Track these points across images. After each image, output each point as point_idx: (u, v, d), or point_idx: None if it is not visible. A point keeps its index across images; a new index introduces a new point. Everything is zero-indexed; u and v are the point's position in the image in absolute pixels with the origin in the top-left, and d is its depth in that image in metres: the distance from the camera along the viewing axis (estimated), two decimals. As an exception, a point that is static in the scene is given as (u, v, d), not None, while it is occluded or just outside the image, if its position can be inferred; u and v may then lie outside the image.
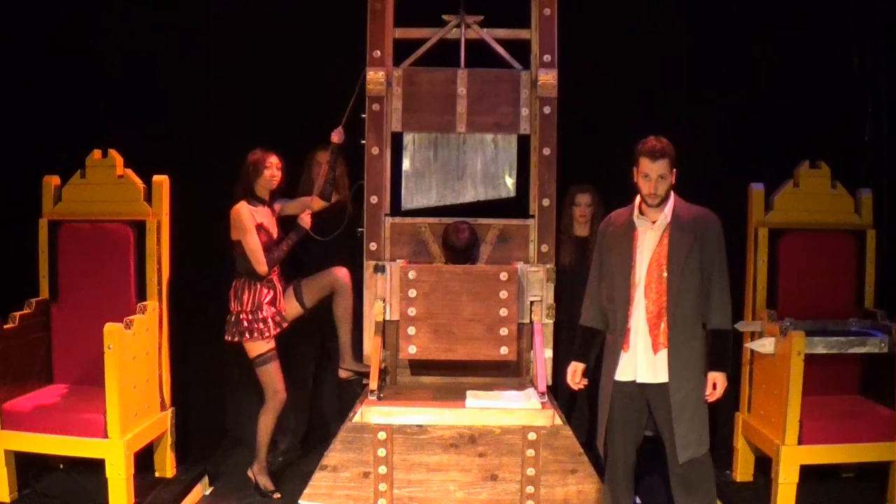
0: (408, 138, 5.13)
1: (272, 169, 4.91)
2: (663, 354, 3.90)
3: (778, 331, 4.58)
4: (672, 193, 3.95)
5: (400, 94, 5.11)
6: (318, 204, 5.09)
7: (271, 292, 4.93)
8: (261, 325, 4.86)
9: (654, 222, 3.93)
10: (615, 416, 4.02)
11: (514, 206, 5.22)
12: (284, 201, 5.11)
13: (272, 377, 4.90)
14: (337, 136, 5.03)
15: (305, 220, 5.00)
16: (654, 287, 3.90)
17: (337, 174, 5.49)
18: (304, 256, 5.29)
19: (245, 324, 4.85)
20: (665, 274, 3.88)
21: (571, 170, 5.25)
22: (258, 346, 4.87)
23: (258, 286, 4.88)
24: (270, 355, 4.89)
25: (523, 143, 5.15)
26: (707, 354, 3.93)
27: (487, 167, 5.11)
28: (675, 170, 3.90)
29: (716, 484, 4.04)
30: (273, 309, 4.92)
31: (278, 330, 4.93)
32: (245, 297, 4.87)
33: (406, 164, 5.13)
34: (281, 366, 4.95)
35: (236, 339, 4.88)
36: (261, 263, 4.81)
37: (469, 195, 5.13)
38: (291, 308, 5.05)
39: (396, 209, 5.17)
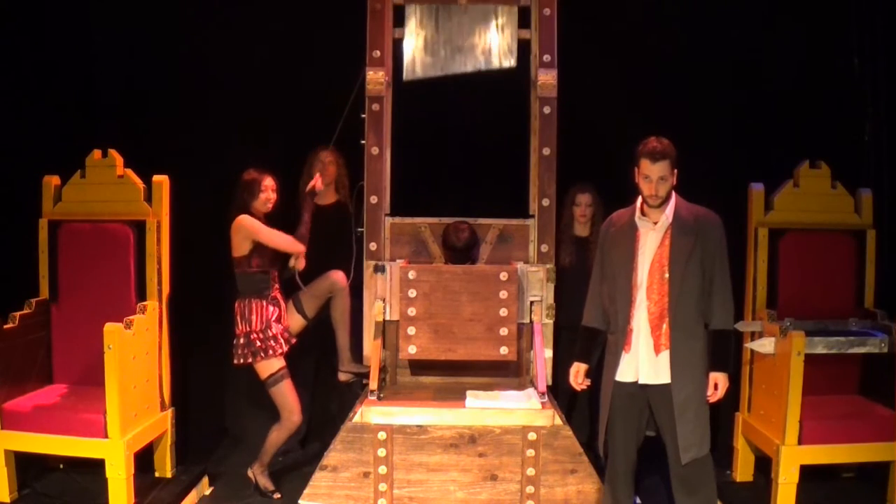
0: (410, 10, 5.13)
1: (267, 192, 4.88)
2: (665, 355, 3.89)
3: (778, 331, 4.58)
4: (673, 193, 3.95)
5: None
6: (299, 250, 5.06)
7: (276, 309, 4.92)
8: (272, 343, 4.84)
9: (655, 223, 3.93)
10: (615, 417, 4.01)
11: (514, 206, 5.22)
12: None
13: (286, 396, 4.87)
14: (317, 183, 5.04)
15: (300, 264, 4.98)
16: (656, 288, 3.89)
17: (337, 174, 5.51)
18: (307, 258, 5.30)
19: (258, 343, 4.82)
20: (667, 275, 3.87)
21: (571, 170, 5.25)
22: (270, 366, 4.84)
23: (264, 304, 4.86)
24: (283, 373, 4.86)
25: (524, 15, 5.17)
26: (709, 355, 3.93)
27: (490, 38, 5.11)
28: (676, 170, 3.90)
29: (716, 484, 4.03)
30: (280, 326, 4.92)
31: (288, 347, 4.92)
32: (253, 317, 4.84)
33: (408, 36, 5.12)
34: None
35: (248, 360, 4.84)
36: (295, 244, 4.83)
37: (471, 65, 5.11)
38: (295, 322, 5.05)
39: (396, 209, 5.17)
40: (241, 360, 4.87)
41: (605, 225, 4.13)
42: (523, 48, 5.19)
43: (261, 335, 4.83)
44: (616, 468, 4.07)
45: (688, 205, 3.97)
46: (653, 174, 3.86)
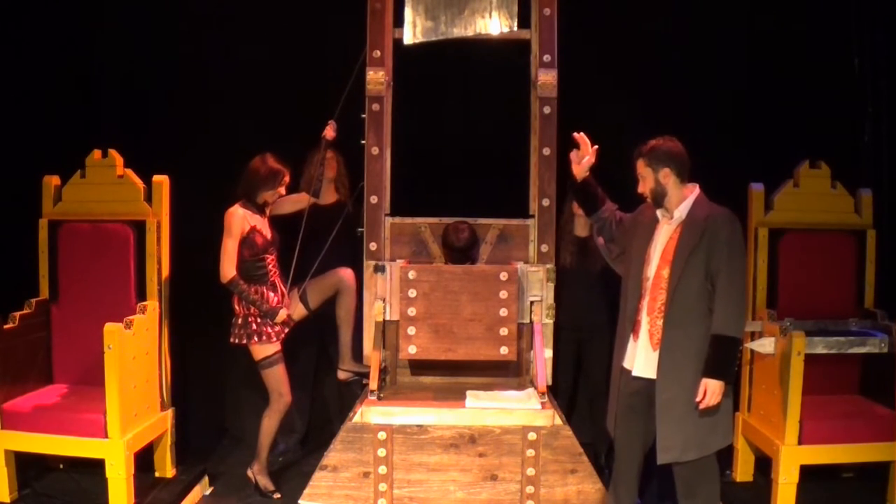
0: None
1: (284, 187, 4.91)
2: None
3: (778, 331, 4.58)
4: (696, 190, 3.96)
5: None
6: (308, 200, 5.08)
7: (275, 296, 4.92)
8: (268, 329, 4.85)
9: (672, 218, 3.94)
10: (622, 416, 4.03)
11: (514, 206, 5.22)
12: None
13: (278, 380, 4.89)
14: (331, 131, 5.01)
15: (282, 316, 4.89)
16: (660, 284, 3.89)
17: (336, 174, 5.51)
18: (307, 257, 5.31)
19: (254, 326, 4.83)
20: (668, 270, 3.87)
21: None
22: (265, 349, 4.85)
23: (264, 290, 4.87)
24: (277, 357, 4.88)
25: None
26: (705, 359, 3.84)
27: (491, 2, 5.02)
28: (665, 169, 3.91)
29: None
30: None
31: (285, 333, 4.93)
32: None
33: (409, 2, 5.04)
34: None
35: (244, 341, 4.86)
36: (227, 270, 4.76)
37: (472, 30, 5.03)
38: (297, 310, 5.04)
39: (396, 209, 5.17)
40: (237, 341, 4.88)
41: (645, 205, 4.13)
42: (523, 48, 5.19)
43: (257, 319, 4.84)
44: (620, 468, 4.07)
45: (708, 203, 3.94)
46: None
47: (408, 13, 5.04)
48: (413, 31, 5.05)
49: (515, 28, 5.06)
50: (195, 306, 5.54)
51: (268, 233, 4.92)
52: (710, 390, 3.78)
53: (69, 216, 5.13)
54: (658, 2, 5.74)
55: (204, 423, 5.81)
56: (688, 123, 5.43)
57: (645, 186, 3.98)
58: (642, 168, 3.97)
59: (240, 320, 4.87)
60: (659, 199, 3.95)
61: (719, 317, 3.79)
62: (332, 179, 5.49)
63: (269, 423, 4.94)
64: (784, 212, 5.09)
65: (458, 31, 5.05)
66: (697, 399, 3.79)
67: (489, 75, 5.67)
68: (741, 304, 3.86)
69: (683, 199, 3.93)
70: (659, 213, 4.00)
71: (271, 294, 4.88)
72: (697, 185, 3.98)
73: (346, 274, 5.11)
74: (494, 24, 5.04)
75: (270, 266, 4.92)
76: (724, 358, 3.81)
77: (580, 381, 5.61)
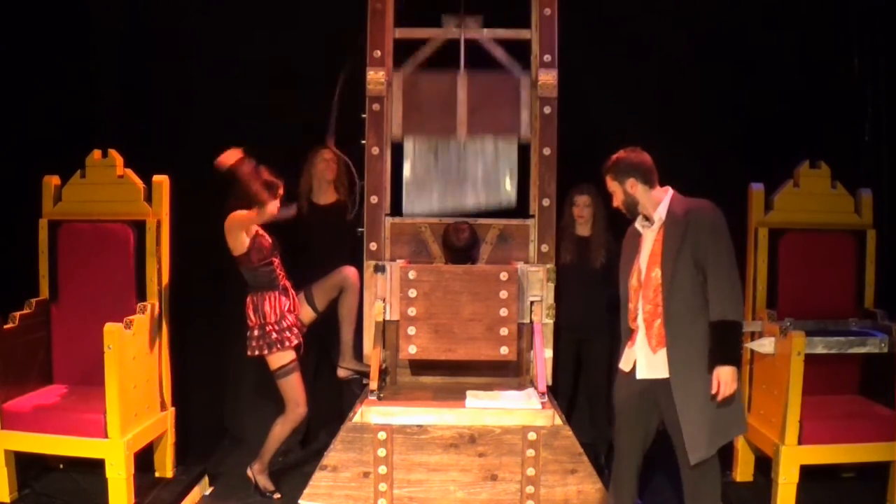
0: (408, 144, 5.08)
1: (279, 200, 4.85)
2: (663, 353, 3.84)
3: (778, 331, 4.58)
4: (669, 192, 3.96)
5: (400, 98, 5.07)
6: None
7: (288, 300, 4.90)
8: (287, 335, 4.82)
9: (653, 223, 3.95)
10: (622, 417, 4.03)
11: (515, 206, 5.22)
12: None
13: (294, 389, 4.85)
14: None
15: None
16: (651, 286, 3.89)
17: (336, 174, 5.51)
18: (307, 258, 5.31)
19: (274, 335, 4.79)
20: (657, 272, 3.87)
21: (571, 170, 5.25)
22: (282, 357, 4.82)
23: (277, 295, 4.84)
24: (293, 366, 4.84)
25: (524, 150, 5.10)
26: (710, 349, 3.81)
27: (488, 173, 5.06)
28: (630, 179, 3.93)
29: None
30: (293, 317, 4.91)
31: (300, 337, 4.91)
32: (267, 309, 4.81)
33: (407, 170, 5.08)
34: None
35: (264, 352, 4.81)
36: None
37: (470, 202, 5.08)
38: (305, 313, 5.02)
39: (396, 209, 5.17)
40: (257, 352, 4.83)
41: (626, 235, 4.16)
42: (523, 48, 5.19)
43: (276, 327, 4.81)
44: (621, 469, 4.06)
45: (684, 200, 3.94)
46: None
47: (406, 185, 5.07)
48: (412, 204, 5.07)
49: (514, 204, 5.08)
50: (195, 306, 5.54)
51: (268, 238, 4.91)
52: (724, 379, 3.74)
53: (69, 216, 5.13)
54: (658, 2, 5.74)
55: (204, 423, 5.81)
56: (688, 123, 5.46)
57: (617, 200, 4.02)
58: (610, 183, 4.02)
59: (256, 331, 4.83)
60: (632, 209, 3.99)
61: (716, 303, 3.77)
62: (331, 180, 5.50)
63: (282, 431, 4.92)
64: (784, 212, 5.09)
65: (456, 204, 5.07)
66: (713, 391, 3.75)
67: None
68: (735, 288, 3.83)
69: (658, 203, 3.94)
70: (638, 224, 4.02)
71: (283, 298, 4.86)
72: (669, 188, 3.99)
73: (351, 272, 5.10)
74: (493, 198, 5.05)
75: (279, 269, 4.90)
76: (729, 343, 3.79)
77: (580, 382, 5.62)
